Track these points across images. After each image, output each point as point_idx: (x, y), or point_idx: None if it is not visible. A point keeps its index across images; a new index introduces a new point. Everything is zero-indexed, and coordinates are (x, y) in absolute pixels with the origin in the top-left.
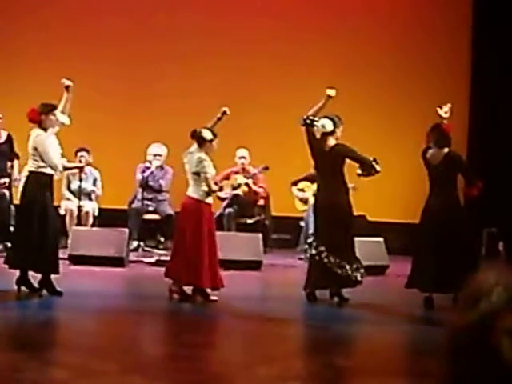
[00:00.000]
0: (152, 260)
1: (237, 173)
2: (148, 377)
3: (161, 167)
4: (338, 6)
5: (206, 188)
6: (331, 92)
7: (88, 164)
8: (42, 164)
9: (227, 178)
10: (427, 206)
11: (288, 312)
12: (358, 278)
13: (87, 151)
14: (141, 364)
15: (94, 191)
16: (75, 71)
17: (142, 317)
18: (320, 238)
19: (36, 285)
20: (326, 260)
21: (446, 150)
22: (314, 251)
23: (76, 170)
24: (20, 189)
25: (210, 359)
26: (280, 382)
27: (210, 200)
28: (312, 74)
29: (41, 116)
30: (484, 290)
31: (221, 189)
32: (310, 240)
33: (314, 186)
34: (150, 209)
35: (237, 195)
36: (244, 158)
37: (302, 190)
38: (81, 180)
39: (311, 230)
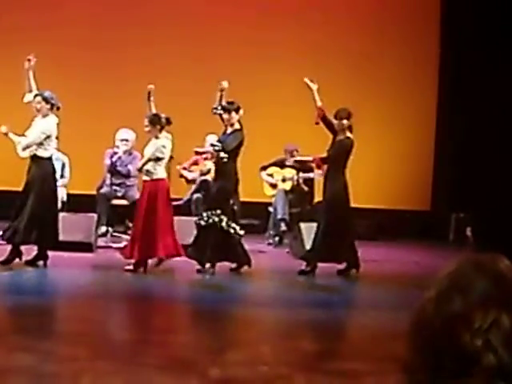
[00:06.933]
0: (120, 245)
1: (206, 159)
2: (116, 362)
3: (129, 152)
4: None
5: None
6: (224, 84)
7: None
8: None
9: (196, 163)
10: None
11: (255, 296)
12: None
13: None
14: (109, 349)
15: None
16: (41, 55)
17: (110, 302)
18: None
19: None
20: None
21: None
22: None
23: None
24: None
25: (178, 344)
26: (248, 366)
27: None
28: (282, 58)
29: None
30: (460, 286)
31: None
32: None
33: (284, 171)
34: (119, 194)
35: (205, 180)
36: None
37: (270, 175)
38: None
39: (280, 216)
